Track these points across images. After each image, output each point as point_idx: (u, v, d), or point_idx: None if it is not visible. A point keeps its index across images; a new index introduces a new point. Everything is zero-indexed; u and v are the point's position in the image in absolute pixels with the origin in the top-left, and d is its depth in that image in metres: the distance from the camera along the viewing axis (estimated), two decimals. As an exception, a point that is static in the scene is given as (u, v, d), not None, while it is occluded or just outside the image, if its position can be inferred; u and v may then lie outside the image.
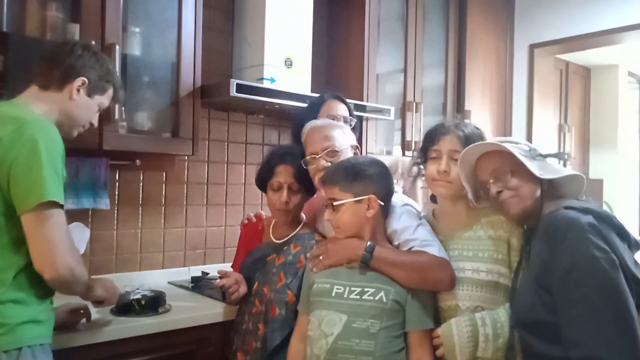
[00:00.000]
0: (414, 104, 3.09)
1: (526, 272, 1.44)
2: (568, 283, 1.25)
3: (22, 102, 1.46)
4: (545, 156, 1.51)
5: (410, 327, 1.49)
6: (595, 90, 4.98)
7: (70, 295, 1.50)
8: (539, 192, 1.45)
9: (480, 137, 1.59)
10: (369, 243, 1.50)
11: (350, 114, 2.08)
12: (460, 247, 1.57)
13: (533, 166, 1.41)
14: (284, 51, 2.48)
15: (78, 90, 1.49)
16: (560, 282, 1.27)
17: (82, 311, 1.68)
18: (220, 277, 1.74)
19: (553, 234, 1.30)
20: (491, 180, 1.46)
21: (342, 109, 2.06)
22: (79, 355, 1.59)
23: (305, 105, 2.22)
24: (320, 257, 1.58)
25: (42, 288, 1.40)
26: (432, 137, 1.62)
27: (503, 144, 1.46)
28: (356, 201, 1.52)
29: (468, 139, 1.55)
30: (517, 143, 1.48)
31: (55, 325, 1.47)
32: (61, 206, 1.36)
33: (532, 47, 3.66)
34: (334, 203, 1.54)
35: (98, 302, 1.60)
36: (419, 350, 1.49)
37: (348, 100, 2.14)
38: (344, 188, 1.53)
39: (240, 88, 2.18)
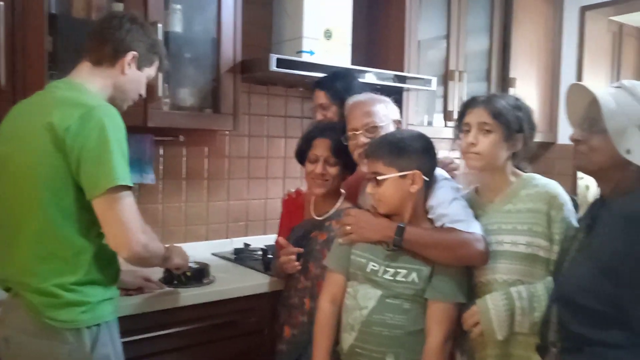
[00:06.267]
0: (457, 72, 3.01)
1: (583, 250, 1.32)
2: None
3: (78, 81, 1.47)
4: None
5: (429, 295, 1.47)
6: (651, 53, 4.71)
7: (148, 267, 1.63)
8: (621, 163, 1.25)
9: (519, 108, 1.54)
10: (398, 225, 1.49)
11: (337, 96, 2.00)
12: (499, 220, 1.54)
13: (624, 140, 1.23)
14: (324, 22, 2.45)
15: (129, 65, 1.52)
16: None
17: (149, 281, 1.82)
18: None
19: (635, 226, 1.19)
20: (577, 124, 1.34)
21: (319, 97, 2.06)
22: (127, 324, 1.64)
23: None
24: (348, 228, 1.56)
25: (113, 267, 1.48)
26: (462, 110, 1.60)
27: (605, 96, 1.25)
28: (400, 176, 1.50)
29: (499, 112, 1.50)
30: None
31: (124, 287, 1.60)
32: (129, 188, 1.39)
33: (583, 10, 3.48)
34: (378, 177, 1.51)
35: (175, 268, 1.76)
36: (435, 326, 1.46)
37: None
38: (389, 162, 1.50)
39: (280, 62, 2.18)
